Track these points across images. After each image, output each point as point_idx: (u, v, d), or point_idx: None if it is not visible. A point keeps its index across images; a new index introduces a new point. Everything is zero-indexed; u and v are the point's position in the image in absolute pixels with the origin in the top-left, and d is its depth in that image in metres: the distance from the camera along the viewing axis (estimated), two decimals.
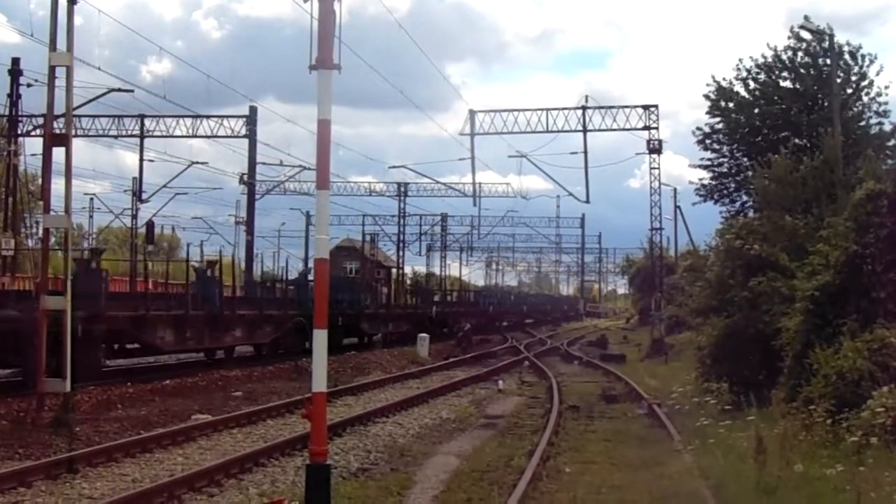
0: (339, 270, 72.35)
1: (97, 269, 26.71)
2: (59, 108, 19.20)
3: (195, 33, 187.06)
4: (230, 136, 46.79)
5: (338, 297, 38.52)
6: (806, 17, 33.06)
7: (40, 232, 20.10)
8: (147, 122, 45.98)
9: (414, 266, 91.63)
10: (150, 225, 51.87)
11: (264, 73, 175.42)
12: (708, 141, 37.60)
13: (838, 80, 31.46)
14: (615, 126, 43.43)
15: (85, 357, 20.75)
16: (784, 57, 34.98)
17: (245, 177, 48.71)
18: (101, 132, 46.34)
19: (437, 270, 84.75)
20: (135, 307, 26.24)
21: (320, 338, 9.28)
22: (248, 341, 33.16)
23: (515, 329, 70.73)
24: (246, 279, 45.27)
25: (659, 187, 45.24)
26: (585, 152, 43.21)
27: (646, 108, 43.53)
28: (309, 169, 49.70)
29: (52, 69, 18.64)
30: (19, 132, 35.33)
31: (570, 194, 50.81)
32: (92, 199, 60.65)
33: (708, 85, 36.75)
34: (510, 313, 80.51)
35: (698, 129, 37.87)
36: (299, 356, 30.18)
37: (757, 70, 35.52)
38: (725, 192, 37.83)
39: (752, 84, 35.82)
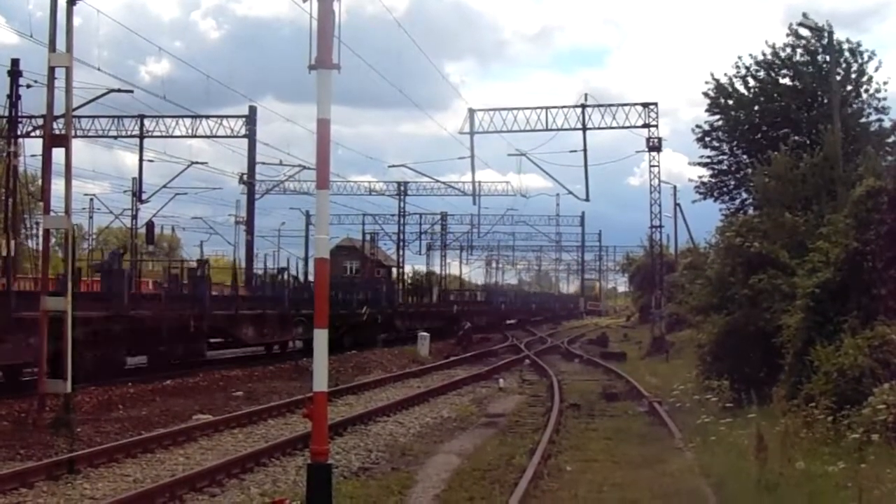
0: (339, 270, 72.43)
1: (202, 277, 30.95)
2: (59, 108, 19.19)
3: (193, 33, 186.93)
4: (230, 136, 46.85)
5: (377, 296, 40.57)
6: (805, 15, 33.01)
7: (40, 233, 20.06)
8: (147, 122, 46.03)
9: (414, 265, 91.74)
10: (150, 225, 51.90)
11: (263, 72, 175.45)
12: (707, 138, 37.56)
13: (838, 77, 31.45)
14: (615, 124, 43.42)
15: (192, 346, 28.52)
16: (783, 54, 34.96)
17: (245, 176, 48.73)
18: (100, 133, 46.38)
19: (437, 269, 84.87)
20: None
21: (321, 337, 9.28)
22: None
23: (519, 327, 70.96)
24: (246, 277, 45.35)
25: (659, 185, 45.29)
26: (585, 150, 43.24)
27: (645, 105, 43.52)
28: (308, 168, 49.72)
29: (51, 70, 18.63)
30: (19, 133, 35.27)
31: (570, 192, 50.88)
32: (92, 199, 60.66)
33: (707, 83, 36.76)
34: (521, 311, 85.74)
35: (698, 126, 37.87)
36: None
37: (756, 67, 35.50)
38: (725, 189, 37.78)
39: (751, 81, 35.79)
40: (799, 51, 34.64)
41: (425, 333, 41.36)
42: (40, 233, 20.08)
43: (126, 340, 25.41)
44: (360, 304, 42.39)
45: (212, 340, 32.21)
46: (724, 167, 37.82)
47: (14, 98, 33.13)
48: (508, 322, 74.24)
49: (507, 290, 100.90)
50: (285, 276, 36.24)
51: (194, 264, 34.19)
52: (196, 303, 29.71)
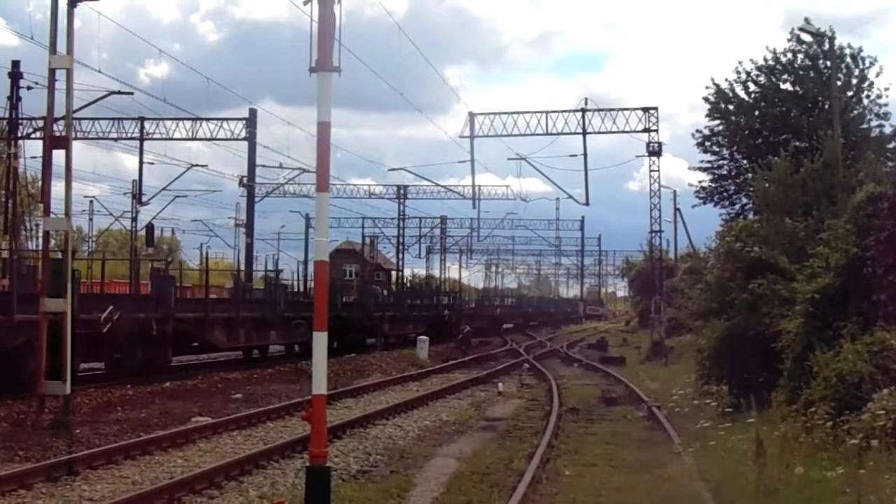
0: (339, 273, 72.44)
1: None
2: (59, 110, 19.20)
3: (192, 36, 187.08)
4: (230, 139, 46.82)
5: (425, 301, 40.90)
6: (806, 20, 33.06)
7: (40, 234, 20.05)
8: (147, 124, 46.01)
9: (414, 268, 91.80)
10: (149, 227, 51.92)
11: (262, 75, 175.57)
12: (708, 143, 37.59)
13: (839, 83, 31.48)
14: (615, 128, 43.36)
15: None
16: (784, 59, 34.99)
17: (245, 179, 48.74)
18: (101, 135, 46.38)
19: (436, 273, 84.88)
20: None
21: (320, 340, 9.28)
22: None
23: (517, 331, 71.12)
24: (246, 279, 45.36)
25: (659, 190, 45.22)
26: (585, 154, 43.18)
27: (645, 110, 43.49)
28: (308, 171, 49.71)
29: (52, 72, 18.63)
30: (19, 135, 35.32)
31: (570, 197, 50.65)
32: (92, 201, 60.70)
33: (707, 88, 36.80)
34: (543, 313, 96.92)
35: (698, 131, 37.91)
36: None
37: (757, 72, 35.54)
38: (725, 194, 37.81)
39: (751, 86, 35.83)
40: (800, 56, 34.68)
41: (424, 337, 41.36)
42: (40, 234, 20.04)
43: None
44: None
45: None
46: (725, 172, 37.86)
47: (14, 100, 33.18)
48: (532, 324, 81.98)
49: (532, 296, 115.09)
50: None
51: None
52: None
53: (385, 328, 45.00)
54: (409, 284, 71.17)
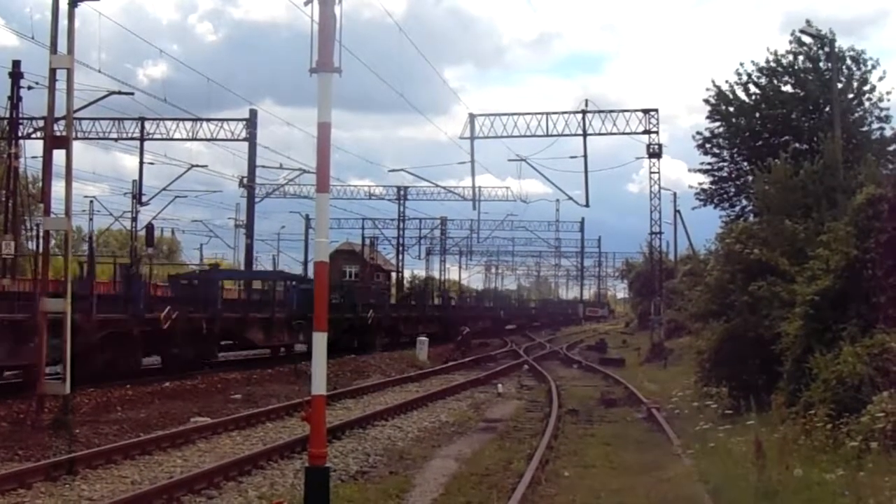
0: (339, 274, 72.42)
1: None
2: (60, 110, 19.21)
3: (191, 37, 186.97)
4: (230, 140, 46.81)
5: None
6: (808, 22, 33.06)
7: (41, 234, 20.06)
8: (147, 124, 45.99)
9: (413, 269, 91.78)
10: (149, 228, 51.82)
11: (261, 76, 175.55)
12: (708, 145, 37.56)
13: (840, 85, 31.47)
14: (615, 130, 43.37)
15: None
16: (785, 61, 34.98)
17: (245, 180, 48.71)
18: (101, 135, 46.37)
19: (436, 274, 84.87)
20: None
21: (320, 341, 9.28)
22: None
23: (517, 332, 71.14)
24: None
25: (659, 191, 45.23)
26: (585, 156, 43.18)
27: (646, 112, 43.48)
28: (308, 172, 49.71)
29: (52, 72, 18.65)
30: (20, 135, 35.31)
31: (570, 198, 50.67)
32: (92, 201, 60.61)
33: (708, 89, 36.78)
34: (552, 314, 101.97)
35: (698, 133, 37.87)
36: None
37: (758, 74, 35.53)
38: (725, 196, 37.78)
39: (752, 88, 35.81)
40: (801, 58, 34.67)
41: (424, 338, 41.35)
42: (40, 234, 20.04)
43: None
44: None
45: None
46: (725, 174, 37.84)
47: (15, 100, 33.18)
48: (538, 324, 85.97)
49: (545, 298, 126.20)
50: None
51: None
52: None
53: (400, 328, 49.18)
54: (408, 286, 71.32)
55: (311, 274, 36.35)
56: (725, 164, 37.81)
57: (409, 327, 50.03)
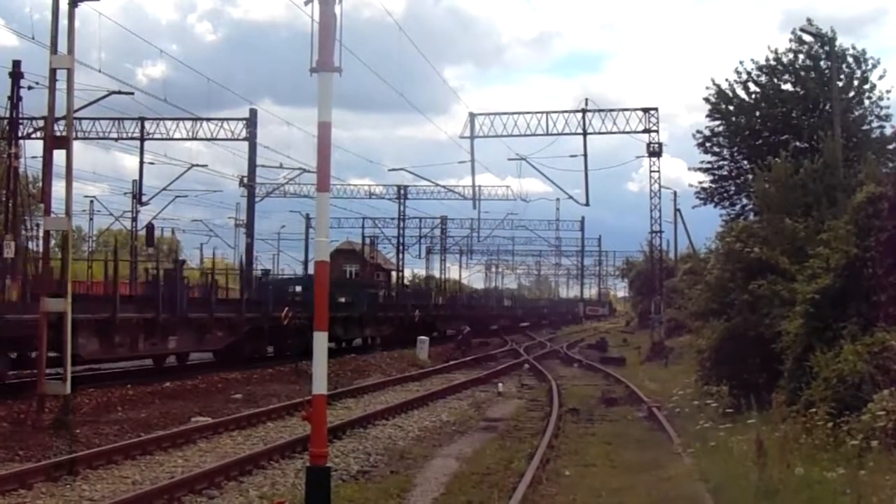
0: (339, 273, 72.40)
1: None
2: (60, 110, 19.21)
3: (190, 36, 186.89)
4: (230, 139, 46.79)
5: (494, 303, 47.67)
6: (809, 21, 33.04)
7: (41, 234, 20.11)
8: (147, 124, 45.99)
9: (414, 268, 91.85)
10: (149, 227, 51.93)
11: (260, 76, 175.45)
12: (708, 144, 37.52)
13: (840, 84, 31.45)
14: (615, 129, 43.39)
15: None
16: (786, 59, 34.96)
17: (245, 179, 48.70)
18: (101, 135, 46.37)
19: (436, 273, 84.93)
20: None
21: (321, 340, 9.28)
22: None
23: (518, 331, 71.22)
24: (246, 280, 45.38)
25: (659, 190, 45.23)
26: (585, 155, 43.18)
27: (646, 111, 43.49)
28: (308, 171, 49.71)
29: (52, 72, 18.65)
30: (20, 134, 35.32)
31: (570, 197, 50.65)
32: (92, 201, 60.74)
33: (708, 88, 36.75)
34: (559, 313, 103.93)
35: (698, 132, 37.83)
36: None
37: (758, 73, 35.49)
38: (726, 195, 37.75)
39: (752, 87, 35.78)
40: (801, 56, 34.64)
41: (424, 338, 41.35)
42: (41, 234, 20.09)
43: None
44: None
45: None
46: (725, 172, 37.81)
47: (15, 100, 33.18)
48: (547, 322, 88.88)
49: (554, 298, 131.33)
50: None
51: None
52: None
53: (437, 325, 53.83)
54: (406, 285, 71.60)
55: (311, 274, 37.62)
56: (725, 162, 37.79)
57: (444, 324, 56.05)
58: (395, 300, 54.09)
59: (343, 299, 42.17)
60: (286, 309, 32.81)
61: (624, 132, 43.57)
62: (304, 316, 31.78)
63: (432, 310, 55.90)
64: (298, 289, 43.50)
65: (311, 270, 45.09)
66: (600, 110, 43.48)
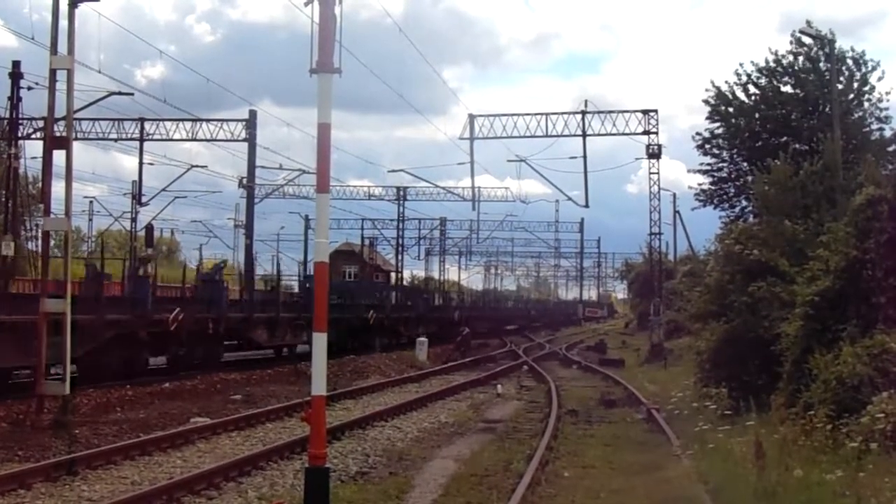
0: (338, 275, 72.39)
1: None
2: (60, 111, 19.20)
3: (188, 37, 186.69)
4: (230, 140, 46.72)
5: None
6: (808, 23, 33.03)
7: (40, 234, 20.10)
8: (146, 125, 45.94)
9: (413, 270, 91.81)
10: (149, 228, 51.78)
11: (259, 77, 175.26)
12: (708, 146, 37.53)
13: (840, 86, 31.46)
14: (614, 131, 43.31)
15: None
16: (785, 62, 34.97)
17: (244, 180, 48.66)
18: (101, 135, 46.31)
19: (435, 274, 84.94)
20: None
21: (320, 341, 9.28)
22: None
23: (518, 332, 71.33)
24: (246, 281, 45.42)
25: (658, 192, 45.21)
26: (585, 156, 43.14)
27: (645, 112, 43.44)
28: (308, 172, 49.68)
29: (52, 72, 18.66)
30: (19, 135, 35.30)
31: (570, 199, 50.59)
32: (91, 202, 60.67)
33: (707, 90, 36.77)
34: (563, 313, 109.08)
35: (698, 134, 37.83)
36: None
37: (758, 74, 35.51)
38: (725, 196, 37.76)
39: (752, 89, 35.80)
40: (801, 58, 34.66)
41: (423, 339, 41.36)
42: (40, 234, 20.07)
43: None
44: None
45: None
46: (724, 174, 37.82)
47: (15, 100, 33.16)
48: (553, 322, 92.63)
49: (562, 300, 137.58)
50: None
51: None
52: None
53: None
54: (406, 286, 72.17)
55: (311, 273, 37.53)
56: (725, 164, 37.79)
57: (475, 323, 61.15)
58: (440, 304, 66.04)
59: (410, 302, 55.63)
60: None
61: (623, 134, 43.52)
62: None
63: (466, 311, 66.87)
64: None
65: (309, 271, 45.26)
66: (600, 112, 43.42)
